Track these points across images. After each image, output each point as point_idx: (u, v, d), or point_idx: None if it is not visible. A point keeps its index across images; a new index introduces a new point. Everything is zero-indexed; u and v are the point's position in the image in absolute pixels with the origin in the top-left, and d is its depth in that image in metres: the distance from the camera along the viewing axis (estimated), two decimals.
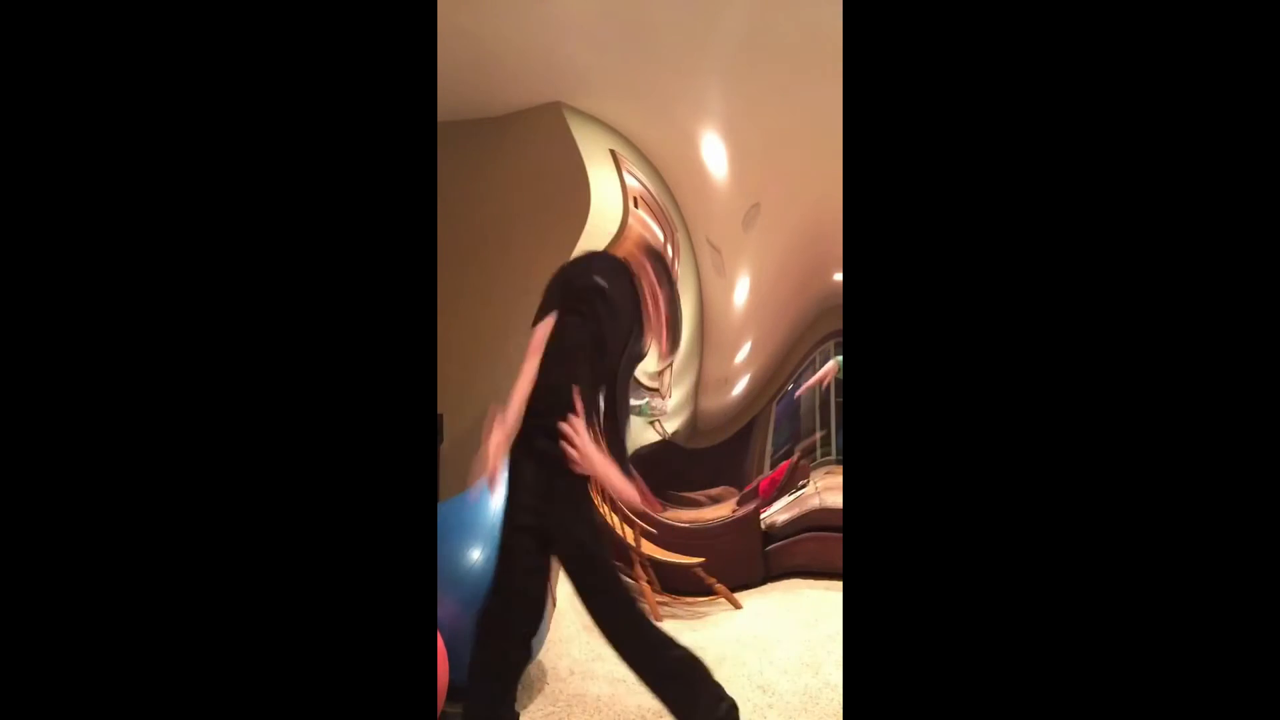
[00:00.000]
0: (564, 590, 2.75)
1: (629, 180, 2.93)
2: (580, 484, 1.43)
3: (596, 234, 2.80)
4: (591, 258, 1.58)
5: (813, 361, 2.62)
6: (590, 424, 1.35)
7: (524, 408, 1.39)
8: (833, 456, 2.80)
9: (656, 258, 1.56)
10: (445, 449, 2.65)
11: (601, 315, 1.37)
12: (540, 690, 2.14)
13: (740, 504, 2.95)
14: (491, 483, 1.42)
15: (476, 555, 2.07)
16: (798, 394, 2.35)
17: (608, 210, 2.85)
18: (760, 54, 2.49)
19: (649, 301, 1.45)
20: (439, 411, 2.61)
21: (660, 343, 1.53)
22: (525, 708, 2.03)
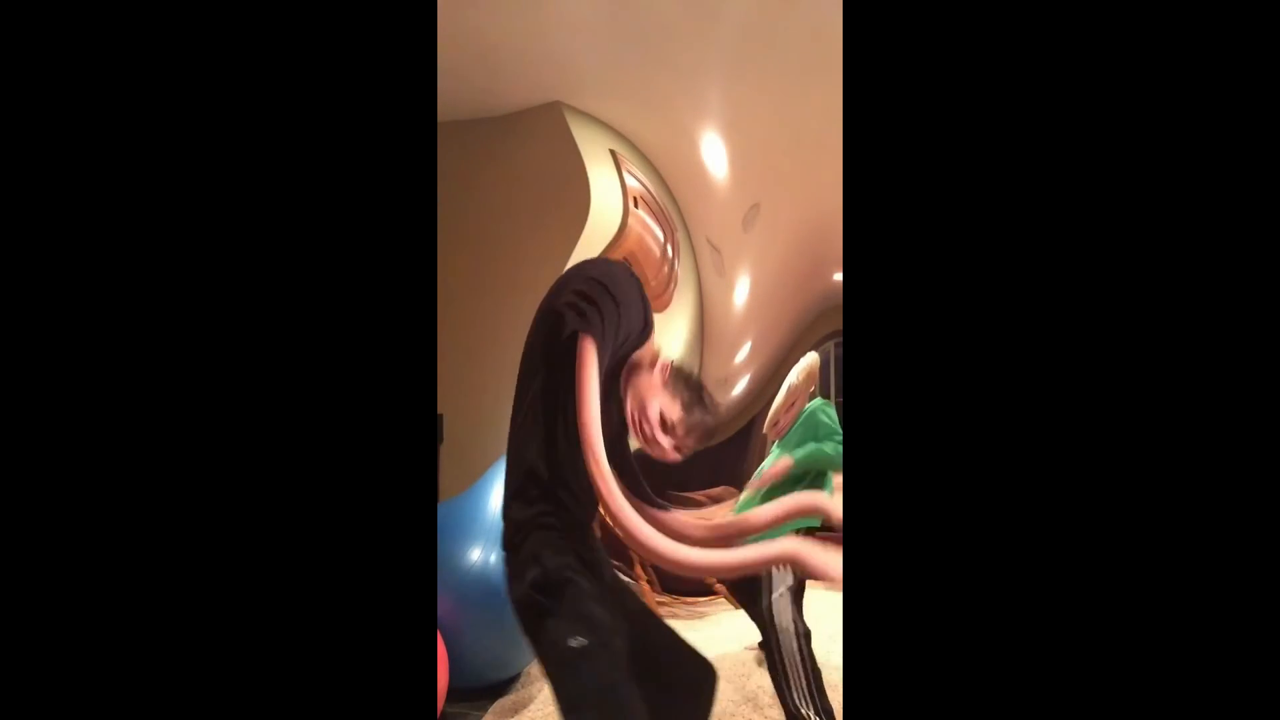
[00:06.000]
0: None
1: (629, 180, 2.93)
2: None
3: (596, 234, 2.80)
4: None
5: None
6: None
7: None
8: None
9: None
10: (445, 449, 2.66)
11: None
12: (540, 690, 2.14)
13: None
14: None
15: (476, 555, 2.07)
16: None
17: (608, 210, 2.85)
18: (760, 54, 2.49)
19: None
20: (439, 411, 2.61)
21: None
22: (526, 708, 2.03)
